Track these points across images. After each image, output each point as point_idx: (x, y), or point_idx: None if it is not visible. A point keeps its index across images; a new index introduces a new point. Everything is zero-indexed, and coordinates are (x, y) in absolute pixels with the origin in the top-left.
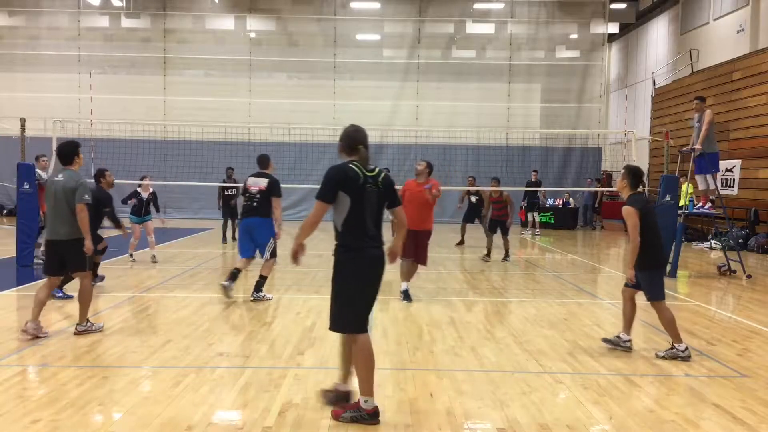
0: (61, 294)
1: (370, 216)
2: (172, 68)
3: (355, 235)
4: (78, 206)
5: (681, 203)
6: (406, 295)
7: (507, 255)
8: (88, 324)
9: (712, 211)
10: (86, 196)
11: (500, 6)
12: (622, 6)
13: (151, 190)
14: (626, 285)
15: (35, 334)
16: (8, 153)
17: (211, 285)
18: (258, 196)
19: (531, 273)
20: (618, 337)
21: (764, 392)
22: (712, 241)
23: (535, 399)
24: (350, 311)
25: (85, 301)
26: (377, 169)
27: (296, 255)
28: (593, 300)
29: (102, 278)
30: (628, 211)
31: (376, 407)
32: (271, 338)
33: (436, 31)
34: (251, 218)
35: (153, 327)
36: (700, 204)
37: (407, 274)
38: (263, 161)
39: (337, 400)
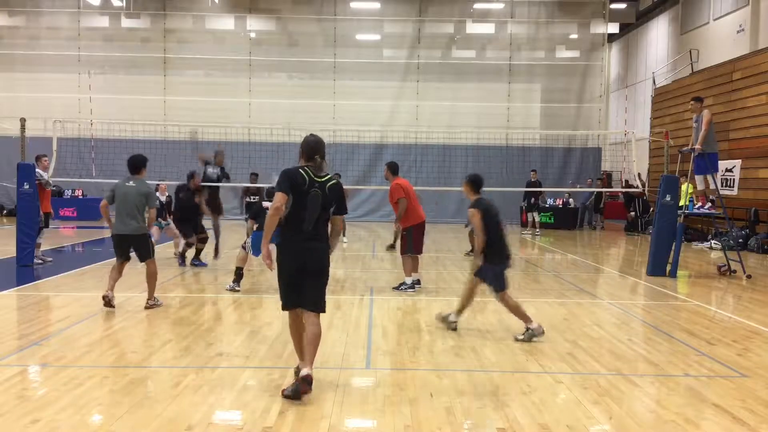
0: (197, 262)
1: (310, 215)
2: (172, 68)
3: (292, 229)
4: (152, 210)
5: (681, 203)
6: (399, 286)
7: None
8: (155, 299)
9: (712, 211)
10: (156, 201)
11: (500, 6)
12: (622, 6)
13: (167, 194)
14: (474, 275)
15: (110, 302)
16: (8, 153)
17: (211, 285)
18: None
19: (531, 273)
20: (448, 316)
21: (764, 392)
22: (712, 241)
23: (535, 399)
24: (281, 291)
25: (152, 281)
26: (327, 177)
27: (269, 257)
28: (593, 300)
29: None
30: (472, 212)
31: (308, 375)
32: (271, 338)
33: (436, 31)
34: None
35: (153, 327)
36: (699, 204)
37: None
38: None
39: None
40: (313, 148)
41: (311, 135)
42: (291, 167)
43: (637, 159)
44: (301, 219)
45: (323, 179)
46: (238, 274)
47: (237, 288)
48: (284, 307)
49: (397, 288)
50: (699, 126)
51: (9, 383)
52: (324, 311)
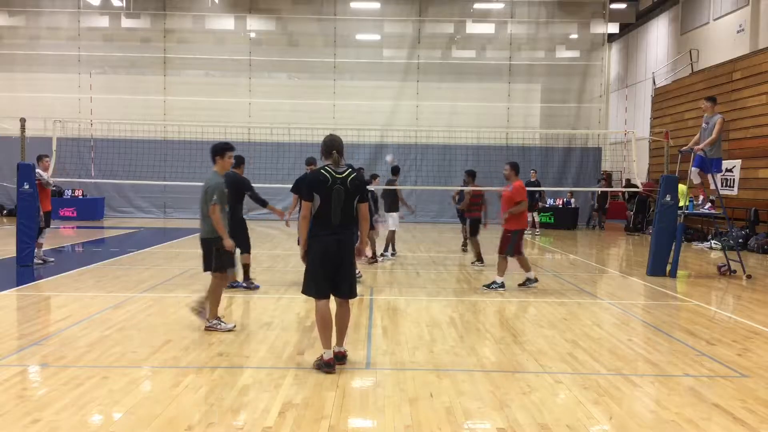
0: (241, 285)
1: (335, 211)
2: (172, 68)
3: (321, 225)
4: (210, 208)
5: (681, 203)
6: (490, 284)
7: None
8: (215, 321)
9: (712, 211)
10: (215, 197)
11: (500, 6)
12: (622, 6)
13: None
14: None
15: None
16: (8, 153)
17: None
18: None
19: None
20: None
21: (764, 392)
22: (712, 241)
23: (535, 399)
24: (311, 281)
25: (211, 297)
26: (347, 171)
27: (305, 257)
28: (593, 300)
29: (255, 286)
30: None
31: (332, 359)
32: (271, 338)
33: (436, 31)
34: None
35: (153, 327)
36: (702, 199)
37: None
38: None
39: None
40: (328, 145)
41: (328, 135)
42: (314, 170)
43: (637, 159)
44: (328, 214)
45: (343, 175)
46: None
47: None
48: (317, 297)
49: (488, 286)
50: (709, 127)
51: (9, 383)
52: (356, 296)
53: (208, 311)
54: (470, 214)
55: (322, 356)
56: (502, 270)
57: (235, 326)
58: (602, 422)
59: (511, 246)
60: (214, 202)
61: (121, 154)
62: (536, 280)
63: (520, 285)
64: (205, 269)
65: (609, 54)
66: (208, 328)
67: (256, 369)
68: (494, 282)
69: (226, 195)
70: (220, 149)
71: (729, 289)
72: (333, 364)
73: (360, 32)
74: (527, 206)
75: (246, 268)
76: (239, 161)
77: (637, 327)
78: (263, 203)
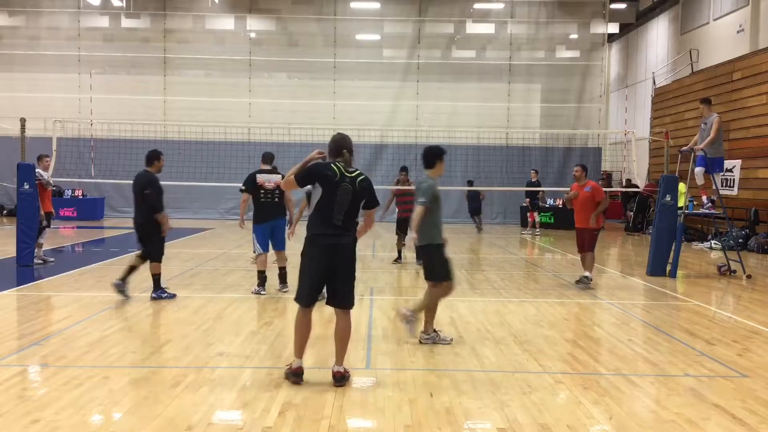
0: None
1: (339, 209)
2: (172, 68)
3: (321, 222)
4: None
5: (680, 204)
6: (582, 280)
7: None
8: (433, 334)
9: (712, 211)
10: (422, 198)
11: (500, 6)
12: (622, 6)
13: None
14: None
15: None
16: (8, 153)
17: (211, 285)
18: (277, 192)
19: (531, 273)
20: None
21: (764, 392)
22: (712, 241)
23: (535, 399)
24: (301, 286)
25: (429, 310)
26: (357, 172)
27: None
28: (593, 300)
29: (169, 296)
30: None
31: (300, 368)
32: (271, 338)
33: (436, 31)
34: (279, 219)
35: (153, 327)
36: (704, 199)
37: (583, 264)
38: (269, 158)
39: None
40: (338, 143)
41: (337, 133)
42: (324, 161)
43: (637, 159)
44: (330, 212)
45: (353, 174)
46: (262, 278)
47: (262, 292)
48: (305, 305)
49: (580, 282)
50: (707, 128)
51: (9, 383)
52: (353, 305)
53: (424, 322)
54: (404, 215)
55: (291, 364)
56: (592, 265)
57: (452, 339)
58: (602, 422)
59: (594, 243)
60: (421, 203)
61: (121, 154)
62: (591, 279)
63: (576, 282)
64: (429, 278)
65: (609, 54)
66: (424, 341)
67: (256, 369)
68: (586, 276)
69: (438, 199)
70: (430, 154)
71: (729, 289)
72: (301, 373)
73: (360, 32)
74: (607, 204)
75: (154, 277)
76: (151, 158)
77: (637, 327)
78: (158, 209)
